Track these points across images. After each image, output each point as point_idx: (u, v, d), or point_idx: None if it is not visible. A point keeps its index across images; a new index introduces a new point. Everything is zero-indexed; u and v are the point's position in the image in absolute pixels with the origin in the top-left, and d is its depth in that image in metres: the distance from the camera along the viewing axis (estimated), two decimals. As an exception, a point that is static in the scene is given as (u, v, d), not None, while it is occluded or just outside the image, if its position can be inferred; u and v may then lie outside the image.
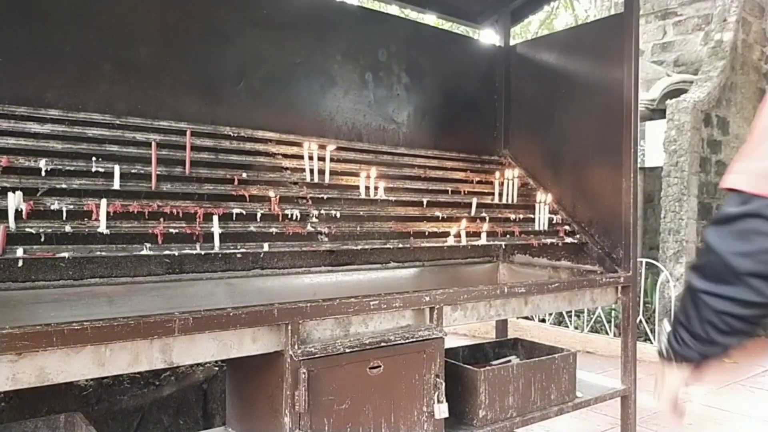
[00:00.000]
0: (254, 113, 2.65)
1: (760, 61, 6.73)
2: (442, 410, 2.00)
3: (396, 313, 1.98)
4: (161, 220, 2.03)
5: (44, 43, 2.18)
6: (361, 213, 2.57)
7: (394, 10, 4.56)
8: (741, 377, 4.71)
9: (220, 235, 2.07)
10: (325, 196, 2.52)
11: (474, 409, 2.16)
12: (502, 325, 3.51)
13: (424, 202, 2.82)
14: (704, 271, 0.92)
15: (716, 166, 6.47)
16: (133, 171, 2.11)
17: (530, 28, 11.49)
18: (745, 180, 0.89)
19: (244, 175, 2.35)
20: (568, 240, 3.00)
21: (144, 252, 1.95)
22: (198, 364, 2.45)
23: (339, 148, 2.81)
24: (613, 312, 5.58)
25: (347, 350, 1.80)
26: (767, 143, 0.90)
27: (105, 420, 2.24)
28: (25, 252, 1.75)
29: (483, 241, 2.80)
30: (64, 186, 1.95)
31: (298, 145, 2.62)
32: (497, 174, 3.13)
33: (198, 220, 2.09)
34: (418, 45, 3.26)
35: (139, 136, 2.26)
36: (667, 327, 1.05)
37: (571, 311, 5.72)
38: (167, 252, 2.00)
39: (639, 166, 3.13)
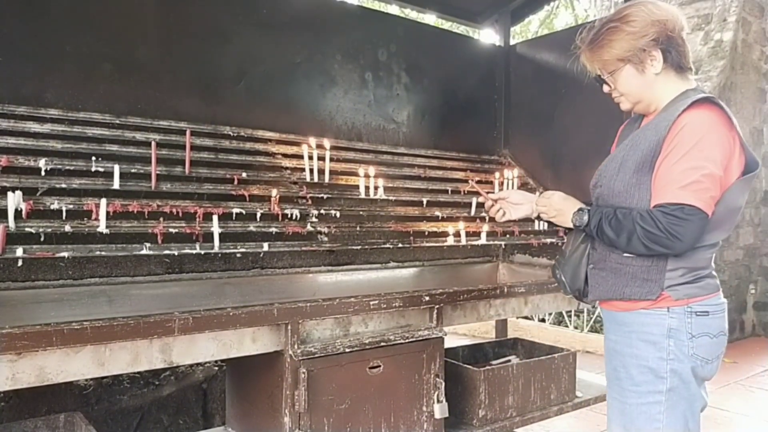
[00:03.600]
0: (254, 113, 2.65)
1: (760, 61, 6.72)
2: (441, 410, 2.00)
3: (396, 313, 1.97)
4: (161, 219, 2.03)
5: (44, 43, 2.18)
6: (361, 213, 2.58)
7: (394, 9, 4.56)
8: (741, 377, 4.71)
9: (220, 234, 2.07)
10: (325, 196, 2.52)
11: (474, 409, 2.16)
12: (502, 325, 3.51)
13: (424, 202, 2.82)
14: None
15: (716, 166, 6.44)
16: (132, 171, 2.11)
17: (530, 27, 11.48)
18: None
19: (244, 174, 2.35)
20: (568, 240, 2.99)
21: (144, 252, 1.95)
22: (198, 364, 2.45)
23: (339, 148, 2.81)
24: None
25: (347, 350, 1.80)
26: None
27: (105, 420, 2.24)
28: (24, 251, 1.75)
29: (483, 240, 2.80)
30: (63, 186, 1.95)
31: (298, 144, 2.62)
32: (497, 174, 3.13)
33: (198, 219, 2.09)
34: (418, 45, 3.26)
35: (139, 136, 2.26)
36: (586, 218, 1.59)
37: (570, 311, 5.72)
38: (167, 252, 2.00)
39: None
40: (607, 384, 1.65)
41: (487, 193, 1.90)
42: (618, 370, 1.59)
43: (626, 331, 1.56)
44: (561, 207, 1.67)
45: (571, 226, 1.65)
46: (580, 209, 1.61)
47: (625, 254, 1.54)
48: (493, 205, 1.84)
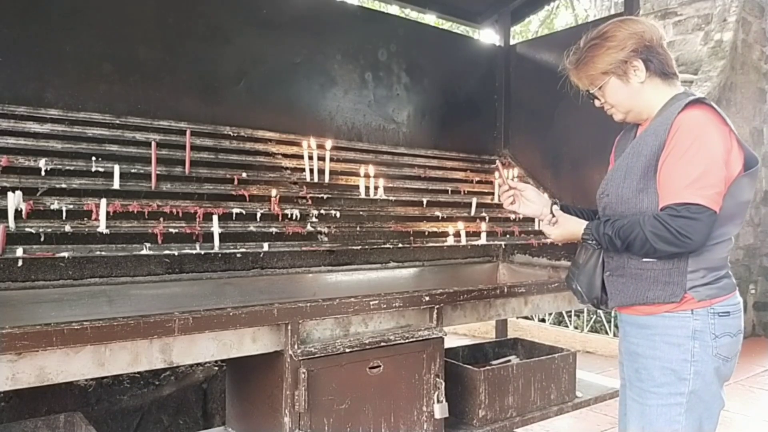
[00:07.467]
0: (254, 113, 2.65)
1: (760, 61, 6.72)
2: (441, 410, 2.00)
3: (396, 313, 1.98)
4: (161, 219, 2.03)
5: (44, 43, 2.18)
6: (361, 213, 2.58)
7: (394, 9, 4.56)
8: (741, 377, 4.71)
9: (220, 234, 2.07)
10: (325, 196, 2.52)
11: (474, 409, 2.16)
12: (502, 325, 3.51)
13: (424, 202, 2.82)
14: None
15: (716, 166, 6.43)
16: (132, 171, 2.11)
17: (530, 27, 11.49)
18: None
19: (244, 174, 2.35)
20: (568, 240, 2.99)
21: (144, 252, 1.95)
22: (198, 364, 2.45)
23: (339, 148, 2.81)
24: (612, 312, 5.57)
25: (347, 350, 1.80)
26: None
27: (105, 420, 2.24)
28: (24, 252, 1.75)
29: (483, 240, 2.80)
30: (64, 186, 1.96)
31: (298, 144, 2.62)
32: (497, 174, 3.13)
33: (198, 219, 2.09)
34: (418, 45, 3.26)
35: (139, 136, 2.26)
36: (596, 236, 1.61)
37: (570, 311, 5.72)
38: (167, 252, 2.00)
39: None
40: (628, 386, 1.65)
41: (509, 179, 1.91)
42: (640, 372, 1.59)
43: (649, 334, 1.57)
44: (567, 235, 1.71)
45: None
46: (585, 234, 1.63)
47: (645, 259, 1.55)
48: (507, 190, 1.84)
